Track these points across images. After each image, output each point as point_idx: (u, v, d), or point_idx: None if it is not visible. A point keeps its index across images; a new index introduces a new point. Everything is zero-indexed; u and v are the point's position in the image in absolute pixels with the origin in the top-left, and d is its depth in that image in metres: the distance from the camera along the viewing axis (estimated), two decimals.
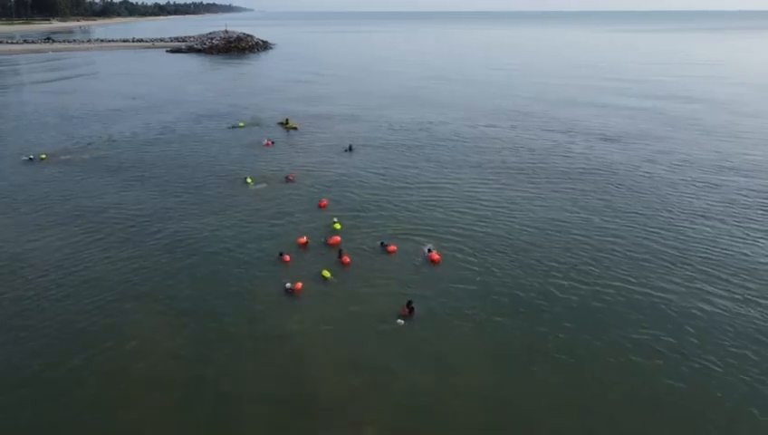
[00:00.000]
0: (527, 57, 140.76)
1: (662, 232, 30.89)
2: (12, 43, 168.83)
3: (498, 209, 34.40)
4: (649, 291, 24.55)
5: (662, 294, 24.27)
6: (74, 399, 18.28)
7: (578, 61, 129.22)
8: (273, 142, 50.80)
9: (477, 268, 26.81)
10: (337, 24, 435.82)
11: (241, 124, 57.86)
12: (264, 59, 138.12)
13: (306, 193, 37.36)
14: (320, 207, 34.89)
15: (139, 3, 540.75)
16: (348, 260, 27.43)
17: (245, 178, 40.57)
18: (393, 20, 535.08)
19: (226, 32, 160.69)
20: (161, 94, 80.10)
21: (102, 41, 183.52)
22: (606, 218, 32.95)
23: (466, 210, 34.26)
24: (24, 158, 45.70)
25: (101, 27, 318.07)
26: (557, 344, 20.84)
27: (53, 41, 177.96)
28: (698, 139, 52.21)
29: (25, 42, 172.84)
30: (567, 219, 32.84)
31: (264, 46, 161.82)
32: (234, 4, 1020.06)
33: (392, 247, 28.65)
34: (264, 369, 19.63)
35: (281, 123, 57.75)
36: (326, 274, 25.91)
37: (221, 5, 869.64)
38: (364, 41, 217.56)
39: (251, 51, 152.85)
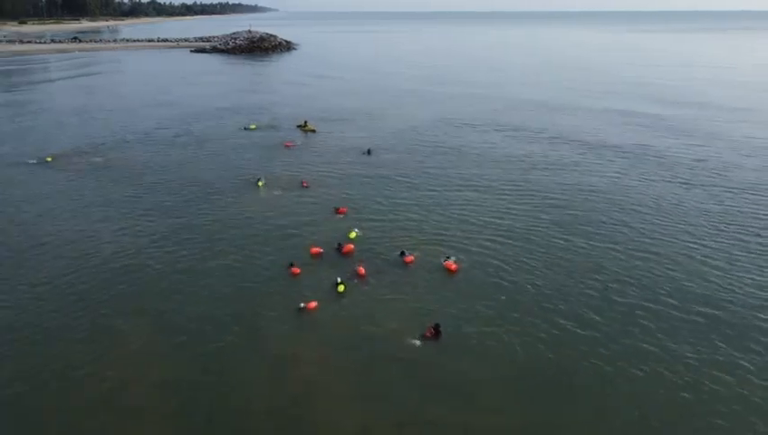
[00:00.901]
0: (550, 58, 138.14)
1: (710, 248, 28.93)
2: (40, 42, 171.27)
3: (525, 220, 32.75)
4: (694, 317, 22.69)
5: (708, 319, 22.49)
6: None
7: (601, 64, 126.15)
8: (294, 144, 50.09)
9: (501, 284, 25.34)
10: (363, 23, 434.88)
11: (252, 126, 56.94)
12: (286, 59, 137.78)
13: (321, 199, 36.20)
14: (338, 213, 33.77)
15: (167, 3, 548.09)
16: (363, 272, 26.19)
17: (257, 180, 39.69)
18: (420, 20, 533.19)
19: (250, 32, 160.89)
20: (180, 95, 79.73)
21: (128, 40, 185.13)
22: (646, 234, 30.88)
23: (490, 220, 32.74)
24: (31, 161, 45.00)
25: (129, 27, 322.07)
26: (589, 375, 19.23)
27: (80, 40, 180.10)
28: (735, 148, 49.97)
29: (53, 41, 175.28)
30: (602, 233, 30.99)
31: (287, 46, 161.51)
32: (259, 5, 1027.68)
33: (410, 258, 27.44)
34: (270, 400, 18.24)
35: (299, 126, 56.75)
36: (341, 288, 24.65)
37: (246, 6, 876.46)
38: (389, 41, 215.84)
39: (274, 51, 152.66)
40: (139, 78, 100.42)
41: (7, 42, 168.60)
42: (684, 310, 23.04)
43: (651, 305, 23.42)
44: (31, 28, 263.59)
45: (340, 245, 28.75)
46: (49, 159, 45.16)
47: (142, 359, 20.15)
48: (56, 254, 28.49)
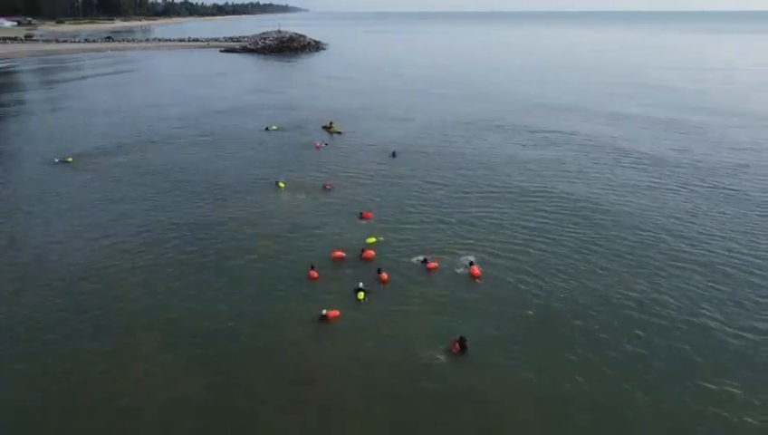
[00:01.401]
0: (579, 60, 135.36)
1: (753, 262, 27.26)
2: (75, 42, 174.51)
3: (554, 227, 31.48)
4: (742, 333, 21.35)
5: (758, 337, 21.09)
6: None
7: (629, 66, 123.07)
8: (323, 144, 49.69)
9: (528, 294, 24.27)
10: (393, 24, 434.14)
11: (274, 127, 56.53)
12: (315, 59, 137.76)
13: (343, 202, 35.48)
14: (362, 217, 32.98)
15: (199, 3, 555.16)
16: (386, 278, 25.48)
17: (277, 182, 39.17)
18: (453, 20, 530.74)
19: (279, 32, 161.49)
20: (206, 94, 79.92)
21: (159, 40, 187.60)
22: (686, 246, 29.25)
23: (517, 226, 31.64)
24: (56, 160, 45.11)
25: (161, 27, 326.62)
26: (623, 399, 17.99)
27: (113, 40, 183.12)
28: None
29: (87, 41, 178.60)
30: (637, 243, 29.49)
31: (315, 46, 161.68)
32: (290, 5, 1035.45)
33: (433, 264, 26.59)
34: (287, 417, 17.44)
35: (324, 127, 56.20)
36: (360, 296, 23.89)
37: (277, 6, 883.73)
38: (419, 42, 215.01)
39: (303, 51, 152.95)
40: (168, 77, 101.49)
41: (44, 41, 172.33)
42: (729, 328, 21.63)
43: (693, 321, 22.08)
44: (67, 28, 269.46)
45: (363, 250, 28.04)
46: (70, 160, 45.17)
47: (151, 372, 19.51)
48: (70, 254, 28.32)
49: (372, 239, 29.24)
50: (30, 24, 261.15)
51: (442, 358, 19.79)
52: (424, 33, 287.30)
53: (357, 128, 57.07)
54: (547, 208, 34.43)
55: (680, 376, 18.92)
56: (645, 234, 30.50)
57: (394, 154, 46.64)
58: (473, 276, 25.67)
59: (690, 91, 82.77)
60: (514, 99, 75.79)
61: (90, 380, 19.08)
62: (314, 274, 25.81)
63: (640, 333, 21.33)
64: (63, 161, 44.82)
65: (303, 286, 25.06)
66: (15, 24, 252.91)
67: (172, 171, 42.76)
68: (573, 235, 30.45)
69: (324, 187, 38.30)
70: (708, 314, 22.67)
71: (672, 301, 23.61)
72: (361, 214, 33.36)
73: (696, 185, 38.91)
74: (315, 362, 19.91)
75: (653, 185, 38.99)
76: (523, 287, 24.79)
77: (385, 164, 44.42)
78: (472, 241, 29.56)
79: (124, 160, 45.81)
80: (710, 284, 25.09)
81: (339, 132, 54.31)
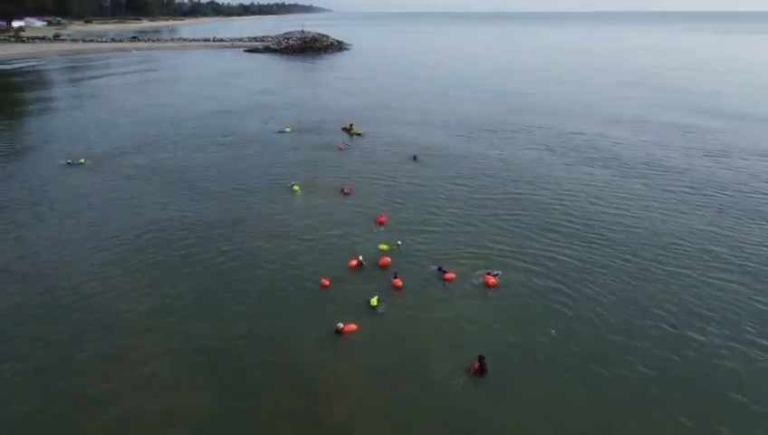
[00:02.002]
0: (604, 58, 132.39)
1: None
2: (101, 41, 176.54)
3: (581, 239, 29.94)
4: None
5: None
6: None
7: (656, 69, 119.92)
8: (346, 146, 48.93)
9: (551, 308, 22.99)
10: (417, 24, 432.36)
11: (288, 129, 55.54)
12: (338, 60, 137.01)
13: (362, 207, 34.41)
14: (378, 223, 32.04)
15: (225, 3, 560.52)
16: (400, 284, 24.58)
17: (291, 185, 38.31)
18: (481, 20, 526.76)
19: (303, 32, 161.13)
20: (227, 95, 79.35)
21: (184, 40, 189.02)
22: (725, 263, 27.36)
23: (540, 236, 30.21)
24: (63, 162, 44.38)
25: (187, 27, 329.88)
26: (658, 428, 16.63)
27: (138, 40, 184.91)
28: None
29: (113, 40, 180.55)
30: (672, 258, 27.75)
31: (338, 47, 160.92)
32: (314, 5, 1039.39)
33: (450, 275, 25.45)
34: None
35: (345, 129, 55.20)
36: (374, 302, 22.94)
37: (302, 6, 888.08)
38: (443, 42, 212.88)
39: (326, 51, 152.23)
40: (190, 77, 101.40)
41: (71, 41, 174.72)
42: None
43: (736, 346, 20.46)
44: (95, 27, 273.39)
45: (376, 260, 27.08)
46: (82, 161, 44.51)
47: (154, 384, 18.68)
48: (76, 256, 27.76)
49: (384, 246, 28.15)
50: (59, 23, 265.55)
51: (460, 380, 18.59)
52: (447, 33, 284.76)
53: (378, 130, 55.99)
54: (573, 217, 32.99)
55: (723, 411, 17.45)
56: (681, 248, 28.83)
57: (415, 157, 45.46)
58: (488, 286, 24.66)
59: (719, 94, 79.97)
60: (541, 102, 73.88)
61: (89, 383, 18.54)
62: (326, 282, 24.93)
63: (675, 357, 19.85)
64: (75, 163, 44.13)
65: (316, 294, 24.14)
66: (45, 23, 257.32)
67: (186, 173, 42.11)
68: (602, 246, 28.94)
69: (343, 191, 37.30)
70: (754, 336, 21.03)
71: (712, 323, 22.02)
72: (377, 218, 32.48)
73: (734, 196, 36.99)
74: (326, 376, 18.91)
75: (689, 197, 37.01)
76: (545, 302, 23.50)
77: (406, 168, 43.24)
78: (491, 250, 28.33)
79: (137, 161, 45.25)
80: (754, 301, 23.45)
81: (359, 134, 53.25)
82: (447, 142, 51.34)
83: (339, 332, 21.00)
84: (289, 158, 46.24)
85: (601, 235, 30.41)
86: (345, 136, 53.30)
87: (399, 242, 28.62)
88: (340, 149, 48.58)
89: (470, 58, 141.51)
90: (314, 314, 22.47)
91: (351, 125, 55.10)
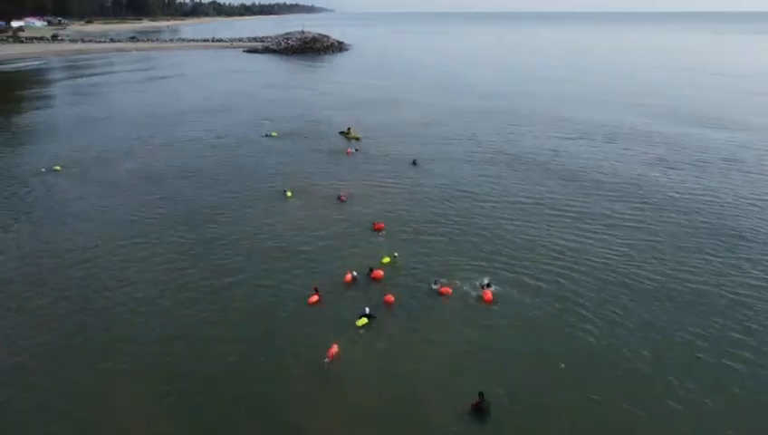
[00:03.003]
0: (604, 60, 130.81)
1: None
2: (101, 42, 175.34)
3: (591, 248, 28.57)
4: None
5: None
6: None
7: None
8: (354, 150, 47.81)
9: (560, 329, 21.59)
10: (418, 24, 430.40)
11: (274, 133, 53.90)
12: (337, 60, 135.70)
13: (358, 215, 33.08)
14: (374, 229, 30.90)
15: (226, 3, 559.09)
16: (392, 300, 23.29)
17: (285, 190, 37.06)
18: (475, 21, 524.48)
19: (303, 32, 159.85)
20: (221, 97, 77.87)
21: (183, 40, 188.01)
22: (737, 268, 26.19)
23: (546, 246, 28.87)
24: (43, 169, 42.46)
25: (188, 27, 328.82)
26: None
27: (138, 40, 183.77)
28: None
29: (112, 41, 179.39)
30: (693, 273, 26.23)
31: (339, 47, 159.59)
32: (316, 5, 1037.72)
33: (445, 289, 24.19)
34: None
35: (342, 133, 53.73)
36: (362, 322, 21.67)
37: (303, 6, 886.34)
38: (444, 43, 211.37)
39: (326, 52, 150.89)
40: (186, 79, 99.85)
41: (70, 41, 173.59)
42: None
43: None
44: (95, 27, 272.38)
45: (371, 269, 25.92)
46: (58, 168, 42.63)
47: (131, 405, 17.41)
48: (47, 271, 26.34)
49: (387, 259, 26.82)
50: (60, 23, 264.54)
51: (457, 421, 16.89)
52: (448, 33, 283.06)
53: (376, 133, 54.54)
54: (586, 227, 31.49)
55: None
56: (704, 259, 27.39)
57: (415, 162, 44.14)
58: (485, 302, 23.39)
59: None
60: (546, 105, 72.15)
61: (66, 408, 17.39)
62: (314, 298, 23.61)
63: (691, 386, 18.35)
64: (51, 170, 42.25)
65: (303, 314, 22.73)
66: (46, 23, 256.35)
67: (171, 177, 40.86)
68: (618, 262, 27.31)
69: (339, 198, 35.99)
70: None
71: (738, 350, 20.46)
72: (373, 224, 31.30)
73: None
74: (309, 420, 17.22)
75: (715, 198, 35.74)
76: (552, 323, 22.08)
77: (405, 173, 41.89)
78: (491, 262, 27.01)
79: (119, 167, 43.58)
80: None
81: (357, 138, 51.82)
82: (449, 147, 49.92)
83: (326, 363, 19.38)
84: (282, 162, 44.87)
85: (618, 248, 28.82)
86: (342, 140, 51.88)
87: (396, 254, 27.32)
88: (348, 153, 47.24)
89: (472, 59, 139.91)
90: (300, 338, 21.04)
91: (349, 129, 53.72)
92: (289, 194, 36.72)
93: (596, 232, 30.79)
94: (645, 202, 35.51)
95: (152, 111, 67.73)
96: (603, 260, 27.36)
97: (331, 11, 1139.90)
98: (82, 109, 70.20)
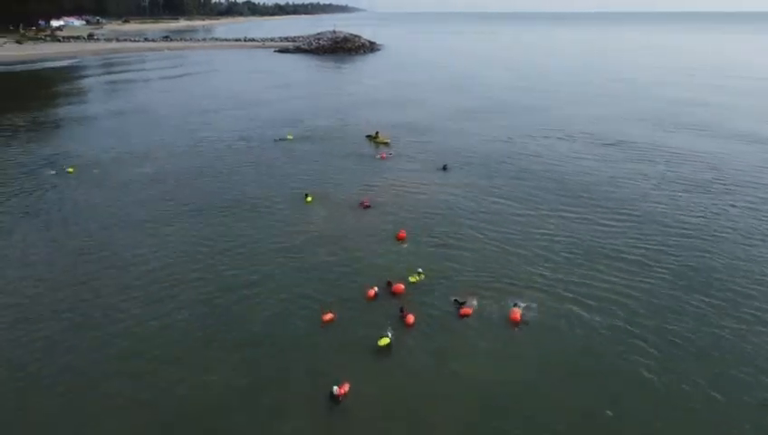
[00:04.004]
0: (627, 61, 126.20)
1: None
2: (135, 41, 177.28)
3: (635, 267, 26.10)
4: None
5: None
6: None
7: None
8: (389, 154, 46.15)
9: (595, 354, 19.46)
10: (453, 24, 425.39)
11: (289, 136, 51.97)
12: (368, 61, 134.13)
13: (381, 224, 31.29)
14: (397, 239, 29.17)
15: (261, 3, 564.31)
16: (412, 321, 21.47)
17: (305, 194, 35.55)
18: (508, 21, 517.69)
19: (334, 32, 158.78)
20: (250, 97, 76.65)
21: (216, 40, 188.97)
22: None
23: (594, 262, 26.59)
24: (53, 172, 41.32)
25: (222, 27, 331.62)
26: None
27: (171, 39, 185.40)
28: None
29: (146, 40, 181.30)
30: (743, 297, 23.72)
31: (370, 47, 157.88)
32: (349, 5, 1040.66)
33: (467, 310, 22.23)
34: None
35: (369, 136, 51.73)
36: (384, 341, 19.91)
37: (336, 6, 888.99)
38: (480, 42, 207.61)
39: (357, 52, 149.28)
40: (214, 79, 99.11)
41: (105, 40, 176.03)
42: None
43: None
44: (132, 27, 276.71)
45: (390, 283, 24.15)
46: (71, 170, 41.52)
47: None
48: (46, 279, 25.12)
49: (414, 278, 24.83)
50: (98, 23, 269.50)
51: None
52: (483, 33, 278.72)
53: (406, 137, 52.50)
54: (629, 242, 28.99)
55: None
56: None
57: (445, 167, 42.13)
58: (513, 322, 21.50)
59: None
60: (587, 107, 69.01)
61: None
62: (328, 316, 21.90)
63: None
64: (63, 171, 41.20)
65: (317, 334, 21.05)
66: (84, 23, 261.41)
67: (185, 182, 39.39)
68: (676, 281, 24.91)
69: (362, 204, 34.24)
70: None
71: None
72: (396, 234, 29.58)
73: None
74: None
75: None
76: (583, 344, 19.99)
77: (434, 179, 39.91)
78: (522, 278, 24.99)
79: (135, 169, 42.28)
80: None
81: (386, 142, 49.72)
82: (483, 151, 47.66)
83: (334, 397, 17.33)
84: (305, 165, 43.29)
85: (673, 266, 26.30)
86: (369, 144, 50.01)
87: (420, 270, 25.35)
88: (383, 157, 45.50)
89: (509, 60, 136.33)
90: (310, 365, 19.27)
91: (377, 133, 51.68)
92: (309, 199, 35.20)
93: (650, 248, 28.26)
94: (702, 217, 32.73)
95: (175, 111, 66.98)
96: (657, 280, 24.94)
97: (364, 10, 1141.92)
98: (106, 108, 69.71)
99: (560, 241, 29.02)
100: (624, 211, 33.34)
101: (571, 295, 23.43)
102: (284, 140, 51.08)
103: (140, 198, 35.95)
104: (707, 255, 27.40)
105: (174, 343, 20.56)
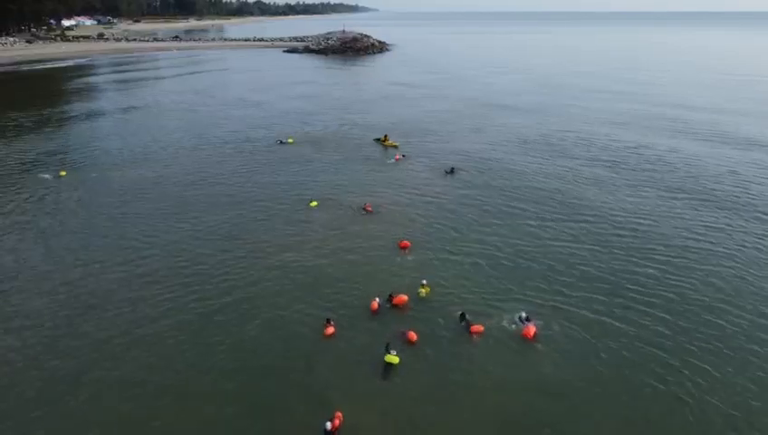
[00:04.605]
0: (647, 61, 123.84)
1: None
2: (144, 41, 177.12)
3: (652, 278, 24.69)
4: None
5: None
6: None
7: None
8: (402, 156, 45.03)
9: (621, 375, 18.00)
10: (465, 24, 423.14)
11: (290, 140, 50.40)
12: (378, 61, 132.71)
13: (386, 232, 29.94)
14: (400, 247, 27.89)
15: (271, 3, 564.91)
16: (415, 338, 20.15)
17: (310, 200, 34.45)
18: (520, 21, 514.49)
19: (344, 32, 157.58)
20: (255, 99, 75.40)
21: (225, 40, 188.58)
22: None
23: (597, 276, 25.13)
24: (46, 175, 39.98)
25: (232, 27, 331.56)
26: None
27: (180, 39, 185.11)
28: None
29: (155, 40, 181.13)
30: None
31: (380, 47, 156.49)
32: (360, 4, 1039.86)
33: (477, 328, 20.80)
34: None
35: (378, 140, 50.41)
36: (392, 359, 18.70)
37: (347, 5, 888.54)
38: (490, 43, 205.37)
39: (366, 52, 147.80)
40: (219, 79, 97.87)
41: (114, 40, 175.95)
42: None
43: None
44: (142, 27, 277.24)
45: (391, 295, 22.86)
46: (63, 174, 40.36)
47: None
48: (33, 290, 23.88)
49: (425, 291, 23.42)
50: (109, 22, 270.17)
51: None
52: (497, 34, 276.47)
53: (414, 138, 51.32)
54: (643, 251, 27.56)
55: None
56: None
57: (452, 170, 40.82)
58: (526, 337, 20.15)
59: None
60: (603, 110, 67.13)
61: None
62: (330, 329, 20.77)
63: None
64: (56, 175, 40.03)
65: (317, 349, 19.84)
66: (96, 22, 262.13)
67: (183, 186, 38.21)
68: (700, 289, 23.75)
69: (364, 208, 32.98)
70: None
71: None
72: (399, 242, 28.30)
73: None
74: None
75: None
76: (601, 365, 18.48)
77: (439, 182, 38.59)
78: (532, 291, 23.63)
79: (132, 173, 41.17)
80: None
81: (395, 145, 48.39)
82: (491, 154, 46.29)
83: (328, 433, 15.85)
84: (310, 169, 42.02)
85: (704, 276, 24.93)
86: (377, 147, 48.66)
87: (424, 282, 23.96)
88: (396, 159, 44.43)
89: (523, 62, 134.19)
90: (308, 385, 18.05)
91: (386, 136, 50.32)
92: (313, 204, 34.06)
93: (673, 256, 26.93)
94: (735, 210, 31.18)
95: (176, 113, 65.89)
96: (683, 291, 23.58)
97: (376, 10, 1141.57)
98: (107, 109, 68.92)
99: (576, 251, 27.57)
100: (646, 224, 31.66)
101: (588, 311, 22.08)
102: (285, 143, 49.73)
103: (135, 205, 34.72)
104: (735, 280, 25.68)
105: (163, 362, 19.34)
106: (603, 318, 21.56)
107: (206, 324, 21.38)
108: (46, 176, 40.16)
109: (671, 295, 23.30)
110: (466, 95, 79.46)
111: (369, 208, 33.02)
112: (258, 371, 18.82)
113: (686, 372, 18.41)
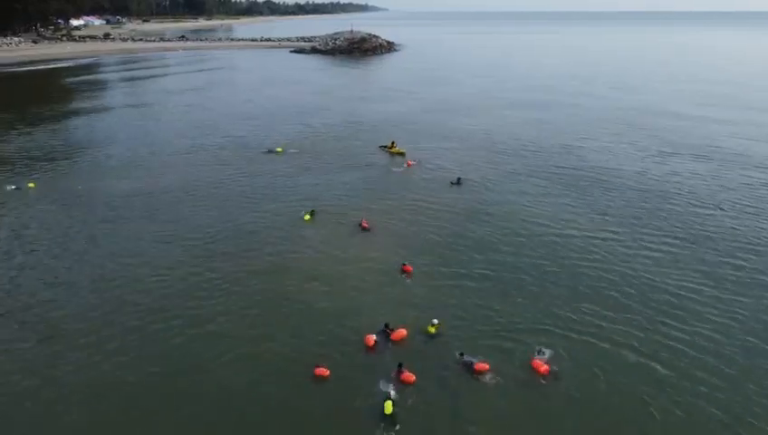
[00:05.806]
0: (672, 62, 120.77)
1: None
2: (150, 41, 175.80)
3: (689, 300, 22.46)
4: None
5: None
6: None
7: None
8: (415, 162, 43.25)
9: (637, 413, 15.57)
10: (475, 24, 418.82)
11: (279, 150, 47.42)
12: (385, 62, 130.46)
13: (386, 254, 27.61)
14: (403, 271, 25.60)
15: (281, 2, 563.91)
16: (413, 380, 17.99)
17: (303, 213, 32.32)
18: (533, 20, 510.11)
19: (352, 32, 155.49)
20: (255, 103, 72.92)
21: (232, 40, 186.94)
22: None
23: (629, 303, 22.76)
24: (11, 187, 37.33)
25: (241, 26, 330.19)
26: None
27: (187, 39, 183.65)
28: None
29: (161, 40, 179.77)
30: None
31: (388, 48, 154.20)
32: (369, 4, 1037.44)
33: (482, 366, 18.55)
34: None
35: (384, 147, 48.11)
36: (388, 408, 16.55)
37: (357, 5, 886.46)
38: (502, 44, 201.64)
39: (374, 53, 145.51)
40: (222, 82, 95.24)
41: (120, 40, 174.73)
42: None
43: None
44: (151, 26, 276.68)
45: (387, 326, 20.73)
46: (32, 185, 37.94)
47: None
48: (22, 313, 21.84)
49: (433, 329, 20.99)
50: (118, 22, 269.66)
51: None
52: (509, 34, 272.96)
53: (421, 145, 48.98)
54: (680, 279, 25.02)
55: None
56: None
57: (459, 181, 38.53)
58: (538, 373, 18.14)
59: None
60: (626, 115, 64.35)
61: None
62: (323, 371, 18.58)
63: None
64: (18, 188, 37.27)
65: (305, 395, 17.63)
66: (105, 22, 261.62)
67: (167, 199, 35.67)
68: (734, 319, 21.38)
69: (360, 225, 30.77)
70: None
71: None
72: (402, 267, 25.90)
73: None
74: None
75: None
76: (643, 412, 16.13)
77: (445, 195, 36.27)
78: (549, 319, 21.47)
79: (116, 184, 38.48)
80: None
81: (402, 153, 46.07)
82: (501, 162, 43.92)
83: None
84: (308, 179, 39.77)
85: (740, 307, 22.50)
86: (383, 155, 46.38)
87: (436, 321, 21.29)
88: (408, 165, 42.67)
89: (535, 65, 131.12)
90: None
91: (393, 143, 47.93)
92: (307, 217, 31.92)
93: (700, 281, 24.46)
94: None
95: (172, 117, 63.38)
96: (716, 320, 21.24)
97: (386, 9, 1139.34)
98: (100, 112, 66.73)
99: (597, 274, 25.23)
100: (673, 243, 29.14)
101: (609, 343, 19.87)
102: (273, 152, 46.84)
103: (110, 220, 32.23)
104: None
105: (132, 402, 17.32)
106: (628, 354, 19.27)
107: (173, 367, 19.12)
108: (13, 187, 37.56)
109: (711, 322, 20.99)
110: (474, 95, 77.05)
111: (366, 225, 30.75)
112: (232, 427, 16.56)
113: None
